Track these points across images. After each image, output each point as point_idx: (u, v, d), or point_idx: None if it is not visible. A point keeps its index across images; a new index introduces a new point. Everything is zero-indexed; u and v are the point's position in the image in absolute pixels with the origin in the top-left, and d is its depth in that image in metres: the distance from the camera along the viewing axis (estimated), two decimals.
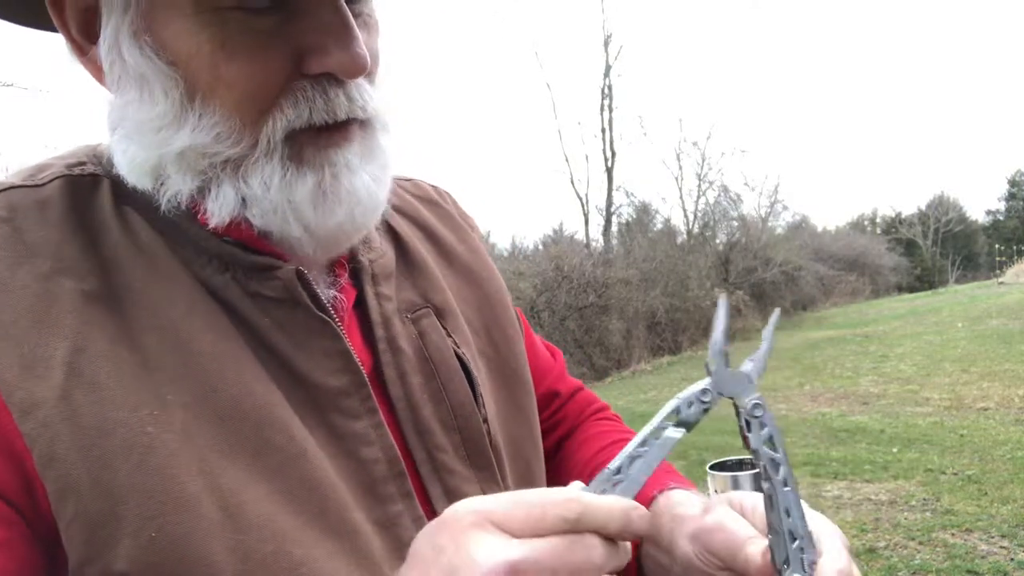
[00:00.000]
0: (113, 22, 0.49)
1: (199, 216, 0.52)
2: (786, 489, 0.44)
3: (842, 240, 29.83)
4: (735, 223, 21.51)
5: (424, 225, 0.71)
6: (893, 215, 41.15)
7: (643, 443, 0.43)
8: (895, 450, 5.62)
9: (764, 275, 19.28)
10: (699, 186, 21.16)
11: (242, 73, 0.48)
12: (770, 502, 0.44)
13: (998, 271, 25.40)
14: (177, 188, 0.51)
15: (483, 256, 0.74)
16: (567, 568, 0.38)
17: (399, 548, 0.51)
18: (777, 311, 0.50)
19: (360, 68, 0.50)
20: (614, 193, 20.51)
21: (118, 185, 0.52)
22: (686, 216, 21.18)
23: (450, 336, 0.64)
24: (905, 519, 4.18)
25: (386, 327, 0.60)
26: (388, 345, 0.59)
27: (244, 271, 0.53)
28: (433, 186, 0.77)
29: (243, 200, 0.51)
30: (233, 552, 0.44)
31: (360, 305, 0.60)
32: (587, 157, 30.41)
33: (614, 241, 20.19)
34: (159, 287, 0.49)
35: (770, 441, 0.45)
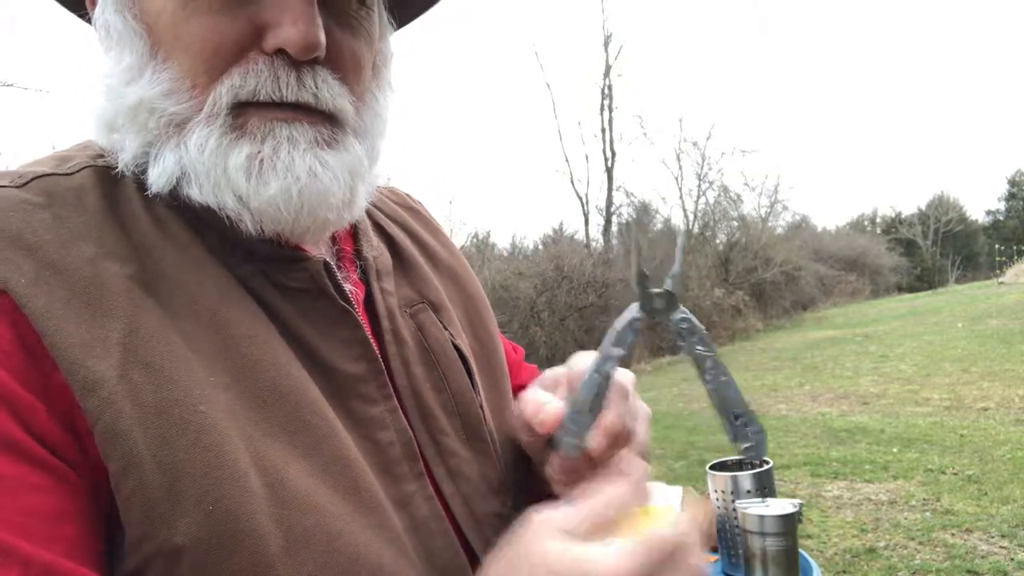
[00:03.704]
0: None
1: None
2: (723, 379, 0.53)
3: (842, 240, 29.86)
4: (735, 223, 21.51)
5: (410, 230, 0.74)
6: (893, 215, 41.16)
7: (596, 370, 0.51)
8: (895, 450, 5.62)
9: (764, 275, 19.27)
10: (699, 186, 21.18)
11: (199, 35, 0.49)
12: (714, 391, 0.53)
13: (998, 271, 25.37)
14: (127, 149, 0.51)
15: (462, 259, 0.79)
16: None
17: (415, 526, 0.56)
18: (682, 232, 0.55)
19: (309, 47, 0.50)
20: (614, 193, 20.52)
21: (140, 177, 0.53)
22: (686, 216, 21.20)
23: (446, 329, 0.67)
24: (905, 519, 4.18)
25: (391, 320, 0.63)
26: (393, 337, 0.62)
27: (266, 262, 0.55)
28: (407, 194, 0.81)
29: (180, 167, 0.50)
30: (278, 525, 0.45)
31: (366, 299, 0.63)
32: (587, 157, 30.46)
33: (614, 241, 20.19)
34: (191, 274, 0.50)
35: (701, 342, 0.53)
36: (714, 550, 1.81)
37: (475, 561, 0.57)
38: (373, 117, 0.58)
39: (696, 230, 20.76)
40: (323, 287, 0.56)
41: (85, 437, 0.43)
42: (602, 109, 20.64)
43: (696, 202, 21.10)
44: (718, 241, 21.08)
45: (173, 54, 0.50)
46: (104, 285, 0.46)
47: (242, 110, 0.50)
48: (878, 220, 41.96)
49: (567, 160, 25.35)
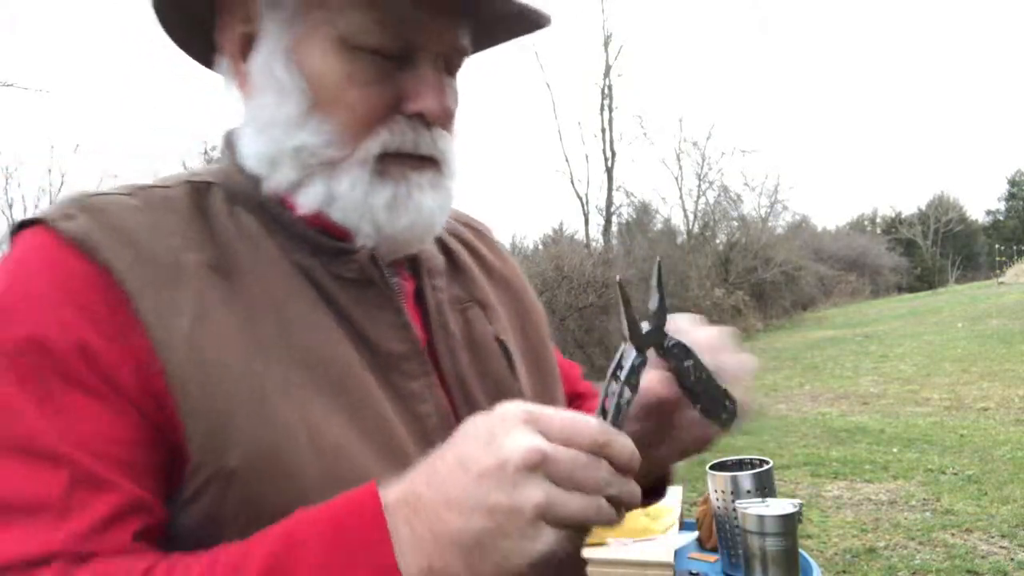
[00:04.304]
0: (268, 45, 0.64)
1: (293, 210, 0.65)
2: (703, 377, 0.59)
3: (842, 240, 29.84)
4: (735, 223, 21.51)
5: (467, 242, 0.84)
6: (893, 215, 41.12)
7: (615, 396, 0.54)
8: (895, 450, 5.62)
9: (764, 275, 19.27)
10: (699, 186, 21.16)
11: (357, 99, 0.62)
12: (696, 389, 0.60)
13: (998, 271, 25.38)
14: (283, 177, 0.64)
15: (517, 271, 0.88)
16: (580, 476, 0.47)
17: None
18: (657, 261, 0.59)
19: (444, 117, 0.65)
20: (614, 193, 20.51)
21: (228, 190, 0.66)
22: (686, 216, 21.19)
23: (492, 325, 0.76)
24: (905, 519, 4.19)
25: (439, 312, 0.71)
26: (440, 327, 0.71)
27: (327, 255, 0.65)
28: (472, 216, 0.93)
29: (329, 196, 0.64)
30: (316, 464, 0.55)
31: (418, 296, 0.72)
32: (587, 157, 30.43)
33: (614, 241, 20.19)
34: (261, 265, 0.62)
35: (687, 355, 0.58)
36: (714, 550, 1.81)
37: None
38: (454, 156, 0.71)
39: (696, 230, 20.77)
40: (371, 277, 0.66)
41: (159, 386, 0.53)
42: (602, 109, 20.58)
43: (696, 202, 21.07)
44: (718, 241, 21.07)
45: (333, 112, 0.62)
46: (183, 269, 0.57)
47: (384, 159, 0.64)
48: (878, 220, 41.95)
49: (567, 160, 25.19)
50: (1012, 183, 43.08)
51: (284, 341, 0.59)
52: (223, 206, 0.64)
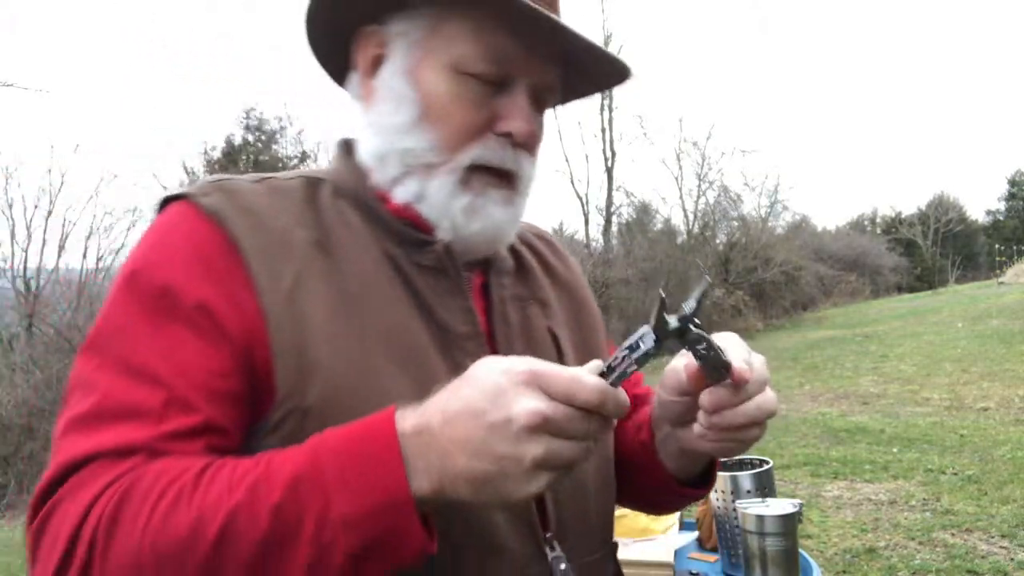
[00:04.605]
0: (393, 65, 0.78)
1: (388, 205, 0.78)
2: (711, 354, 0.65)
3: (842, 240, 29.80)
4: (735, 223, 21.49)
5: (537, 251, 0.96)
6: (893, 215, 40.99)
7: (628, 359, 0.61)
8: (895, 450, 5.63)
9: (764, 275, 19.28)
10: (699, 186, 21.15)
11: (459, 116, 0.75)
12: (710, 360, 0.66)
13: (998, 271, 25.34)
14: (388, 172, 0.78)
15: (581, 279, 1.00)
16: (574, 429, 0.55)
17: None
18: (705, 278, 0.67)
19: (530, 139, 0.77)
20: (614, 193, 20.51)
21: (336, 185, 0.79)
22: (686, 216, 21.18)
23: (547, 319, 0.87)
24: (905, 519, 4.19)
25: (501, 305, 0.82)
26: (501, 317, 0.81)
27: (411, 245, 0.77)
28: (544, 230, 1.05)
29: (420, 194, 0.76)
30: (379, 407, 0.61)
31: (485, 290, 0.82)
32: (587, 157, 30.47)
33: (614, 241, 20.19)
34: (355, 248, 0.74)
35: (705, 340, 0.64)
36: (714, 550, 1.81)
37: (539, 501, 0.75)
38: (531, 181, 0.83)
39: (696, 230, 20.76)
40: (445, 267, 0.77)
41: (260, 334, 0.65)
42: (602, 109, 20.57)
43: (696, 202, 21.06)
44: (718, 241, 21.07)
45: (440, 124, 0.75)
46: (291, 242, 0.70)
47: (472, 171, 0.76)
48: (878, 220, 41.85)
49: (567, 160, 25.20)
50: (1012, 183, 43.04)
51: (366, 311, 0.70)
52: (330, 198, 0.77)
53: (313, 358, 0.65)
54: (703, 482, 0.89)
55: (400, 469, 0.55)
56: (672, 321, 0.61)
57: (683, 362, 0.73)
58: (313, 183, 0.78)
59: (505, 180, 0.78)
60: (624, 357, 0.61)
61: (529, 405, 0.54)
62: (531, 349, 0.82)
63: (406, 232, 0.77)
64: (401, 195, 0.77)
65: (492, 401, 0.55)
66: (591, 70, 0.81)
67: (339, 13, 0.79)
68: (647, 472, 0.87)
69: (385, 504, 0.55)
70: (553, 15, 0.72)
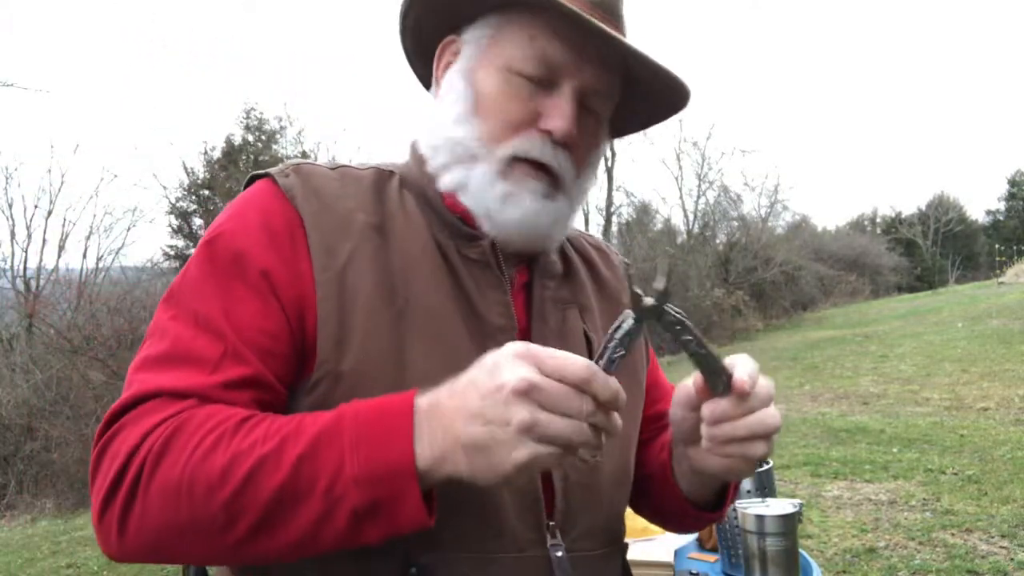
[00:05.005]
0: (458, 66, 0.85)
1: (446, 200, 0.83)
2: (702, 352, 0.67)
3: (842, 240, 29.79)
4: (735, 223, 21.49)
5: (589, 259, 1.00)
6: (893, 215, 40.97)
7: (617, 344, 0.63)
8: (895, 450, 5.62)
9: (764, 275, 19.29)
10: (699, 186, 21.14)
11: (507, 111, 0.80)
12: (703, 359, 0.68)
13: (998, 271, 25.34)
14: (439, 160, 0.83)
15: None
16: (564, 404, 0.58)
17: None
18: (668, 254, 0.65)
19: (566, 136, 0.80)
20: (614, 193, 20.49)
21: (403, 178, 0.85)
22: (686, 216, 21.17)
23: (585, 323, 0.90)
24: (905, 519, 4.18)
25: (540, 304, 0.87)
26: (539, 315, 0.86)
27: (461, 238, 0.82)
28: (601, 239, 1.10)
29: (463, 182, 0.82)
30: (402, 389, 0.66)
31: (528, 289, 0.87)
32: None
33: (614, 241, 20.18)
34: (410, 235, 0.80)
35: (686, 331, 0.64)
36: (714, 550, 1.81)
37: (549, 491, 0.78)
38: (580, 186, 0.86)
39: (696, 230, 20.75)
40: (489, 261, 0.82)
41: (310, 300, 0.72)
42: None
43: (696, 202, 21.06)
44: (718, 241, 21.08)
45: (488, 117, 0.81)
46: (352, 224, 0.77)
47: (512, 163, 0.81)
48: (878, 220, 41.82)
49: None
50: (1012, 183, 43.01)
51: (409, 293, 0.76)
52: (396, 189, 0.84)
53: (351, 327, 0.72)
54: (718, 506, 0.91)
55: (408, 438, 0.61)
56: (647, 300, 0.63)
57: (693, 376, 0.75)
58: (384, 174, 0.86)
59: (544, 173, 0.81)
60: (608, 339, 0.63)
61: (518, 372, 0.58)
62: (564, 348, 0.81)
63: (457, 225, 0.82)
64: (446, 182, 0.83)
65: (488, 373, 0.60)
66: (652, 88, 0.86)
67: (427, 25, 0.88)
68: (666, 492, 0.90)
69: (390, 467, 0.60)
70: (604, 25, 0.77)
